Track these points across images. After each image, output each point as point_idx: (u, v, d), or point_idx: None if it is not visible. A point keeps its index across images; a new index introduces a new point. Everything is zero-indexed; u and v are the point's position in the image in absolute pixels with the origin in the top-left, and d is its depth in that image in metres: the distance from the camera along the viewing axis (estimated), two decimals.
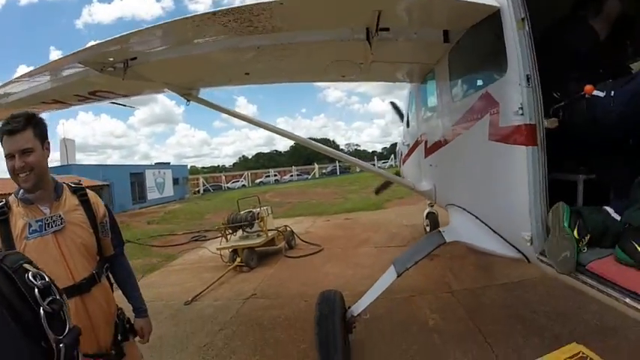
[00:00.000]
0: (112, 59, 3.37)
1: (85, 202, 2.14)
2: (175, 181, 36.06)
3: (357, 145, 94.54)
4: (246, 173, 53.97)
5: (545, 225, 2.43)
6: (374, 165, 53.70)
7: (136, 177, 30.40)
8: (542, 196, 2.45)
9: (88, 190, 2.21)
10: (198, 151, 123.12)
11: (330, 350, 3.22)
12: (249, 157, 78.24)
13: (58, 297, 0.79)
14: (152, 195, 31.70)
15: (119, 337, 2.15)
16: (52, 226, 1.93)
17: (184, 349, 4.41)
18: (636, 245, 2.02)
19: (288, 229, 9.66)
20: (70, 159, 28.38)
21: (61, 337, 0.76)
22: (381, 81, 5.48)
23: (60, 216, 1.98)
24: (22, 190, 1.96)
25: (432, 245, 3.54)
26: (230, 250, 8.31)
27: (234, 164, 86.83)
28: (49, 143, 2.01)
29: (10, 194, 2.10)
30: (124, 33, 3.05)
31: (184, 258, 10.08)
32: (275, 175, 51.80)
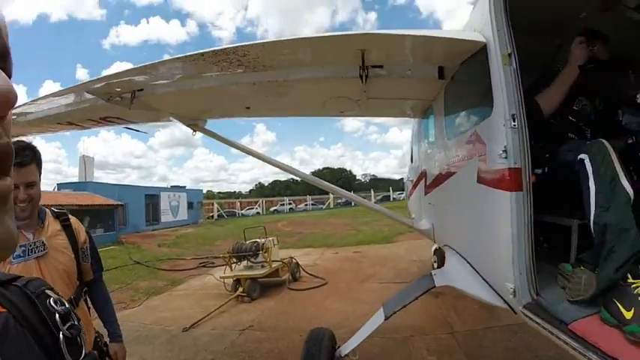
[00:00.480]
0: (118, 90, 3.53)
1: (67, 228, 2.19)
2: (190, 205, 36.37)
3: (373, 175, 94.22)
4: (260, 201, 54.20)
5: (533, 277, 2.33)
6: (389, 195, 53.86)
7: (151, 199, 30.74)
8: (527, 246, 2.30)
9: (70, 216, 2.28)
10: (215, 176, 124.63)
11: None
12: (266, 184, 78.69)
13: (76, 323, 0.82)
14: (166, 217, 31.97)
15: None
16: (34, 252, 1.97)
17: None
18: (619, 305, 1.93)
19: (294, 260, 9.61)
20: (88, 176, 28.92)
21: None
22: (381, 116, 5.56)
23: (43, 242, 2.02)
24: None
25: (421, 289, 3.46)
26: (233, 279, 8.30)
27: (250, 191, 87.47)
28: (41, 173, 2.07)
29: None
30: (130, 67, 3.22)
31: (189, 283, 10.10)
32: (290, 204, 51.84)
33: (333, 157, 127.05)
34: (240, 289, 7.85)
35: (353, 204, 46.41)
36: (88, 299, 2.37)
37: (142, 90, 3.61)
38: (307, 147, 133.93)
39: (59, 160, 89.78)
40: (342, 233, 19.06)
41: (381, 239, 14.48)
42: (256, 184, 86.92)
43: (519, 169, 2.32)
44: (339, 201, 50.76)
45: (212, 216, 44.16)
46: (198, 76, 3.33)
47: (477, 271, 2.97)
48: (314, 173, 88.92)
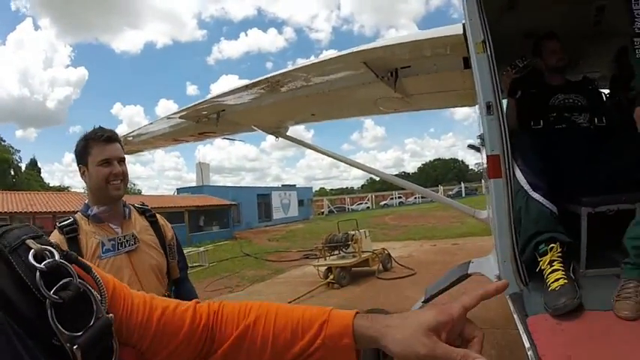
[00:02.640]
0: (205, 113, 4.43)
1: (154, 224, 2.09)
2: (300, 203, 38.62)
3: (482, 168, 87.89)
4: (370, 195, 54.77)
5: (519, 265, 2.33)
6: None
7: (263, 198, 33.66)
8: (508, 233, 2.32)
9: (155, 212, 2.19)
10: (327, 174, 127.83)
11: None
12: (377, 179, 78.77)
13: (75, 279, 0.61)
14: (277, 215, 34.56)
15: None
16: (125, 246, 1.86)
17: None
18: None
19: (385, 252, 10.07)
20: (205, 180, 32.27)
21: (76, 335, 0.57)
22: (436, 108, 5.70)
23: (133, 235, 1.91)
24: (90, 208, 1.90)
25: (456, 276, 3.55)
26: (325, 267, 9.07)
27: (362, 186, 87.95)
28: None
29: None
30: (210, 96, 4.09)
31: (290, 273, 11.17)
32: (399, 197, 51.52)
33: (444, 147, 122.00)
34: (331, 277, 8.59)
35: (464, 195, 44.93)
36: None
37: (224, 110, 4.46)
38: (417, 139, 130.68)
39: (178, 168, 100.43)
40: (446, 225, 18.78)
41: (483, 231, 14.07)
42: (368, 180, 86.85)
43: (497, 156, 2.34)
44: (450, 193, 49.19)
45: (322, 212, 45.86)
46: (263, 96, 4.05)
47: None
48: (425, 165, 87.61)
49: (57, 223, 1.86)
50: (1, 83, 71.62)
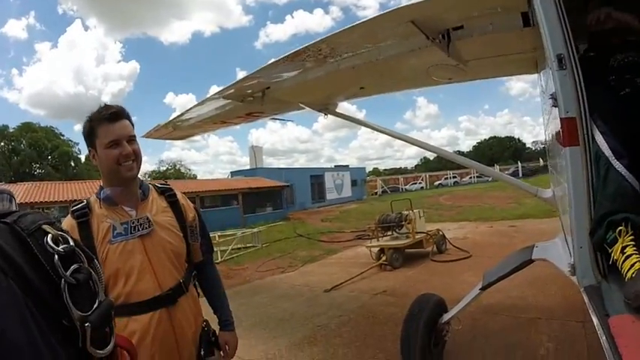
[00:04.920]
0: (249, 91, 4.26)
1: (174, 204, 1.94)
2: (354, 183, 38.51)
3: (545, 143, 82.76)
4: (424, 175, 53.71)
5: (597, 253, 1.95)
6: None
7: (316, 179, 33.81)
8: (587, 214, 1.96)
9: (176, 191, 2.01)
10: (380, 154, 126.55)
11: (409, 351, 3.32)
12: (431, 158, 76.85)
13: (85, 264, 0.69)
14: (331, 195, 34.67)
15: (202, 352, 1.91)
16: (138, 230, 1.74)
17: (305, 325, 5.27)
18: None
19: (440, 233, 9.69)
20: (258, 163, 32.95)
21: (87, 314, 0.65)
22: (494, 77, 5.20)
23: (147, 218, 1.78)
24: (103, 190, 1.79)
25: (517, 261, 3.17)
26: (378, 248, 8.83)
27: (415, 166, 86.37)
28: None
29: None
30: (253, 72, 3.86)
31: (343, 253, 11.07)
32: (454, 177, 50.09)
33: (499, 124, 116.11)
34: (384, 258, 8.35)
35: (521, 174, 42.72)
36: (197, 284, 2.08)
37: (269, 88, 4.28)
38: (471, 116, 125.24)
39: (232, 152, 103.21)
40: (503, 206, 17.99)
41: (541, 212, 13.24)
42: (421, 159, 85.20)
43: (573, 118, 1.97)
44: (507, 172, 46.97)
45: (376, 192, 45.60)
46: (307, 69, 3.81)
47: (567, 243, 2.58)
48: (480, 144, 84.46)
49: (70, 207, 1.78)
50: (58, 82, 77.10)
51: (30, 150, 45.94)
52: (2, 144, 46.01)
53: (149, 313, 1.68)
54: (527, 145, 76.55)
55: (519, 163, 47.23)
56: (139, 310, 1.67)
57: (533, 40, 3.13)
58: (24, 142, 46.32)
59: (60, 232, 0.70)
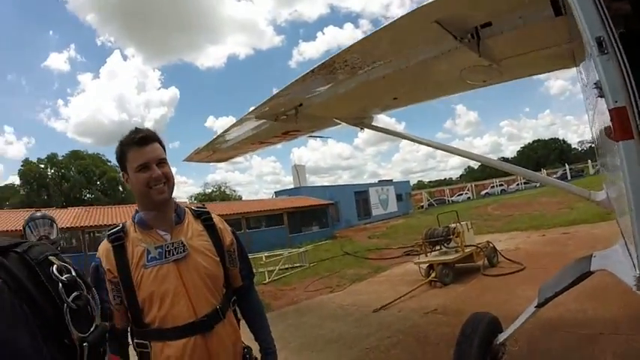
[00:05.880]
0: (282, 109, 4.29)
1: (210, 228, 1.89)
2: (398, 197, 38.05)
3: (593, 141, 77.22)
4: (469, 185, 52.21)
5: None
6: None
7: (361, 195, 33.59)
8: None
9: (213, 214, 1.96)
10: (423, 166, 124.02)
11: None
12: (475, 167, 74.66)
13: (84, 292, 0.77)
14: (376, 211, 34.35)
15: None
16: (173, 254, 1.71)
17: (353, 347, 5.12)
18: None
19: (490, 245, 9.25)
20: (302, 182, 33.17)
21: (85, 335, 0.73)
22: (530, 75, 4.91)
23: (182, 242, 1.75)
24: (139, 214, 1.79)
25: (575, 274, 2.91)
26: (427, 265, 8.57)
27: (460, 176, 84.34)
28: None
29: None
30: (283, 88, 3.88)
31: (391, 271, 10.80)
32: (501, 185, 48.32)
33: (542, 126, 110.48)
34: (433, 275, 8.08)
35: (569, 177, 40.57)
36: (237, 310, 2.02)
37: (301, 105, 4.29)
38: (513, 120, 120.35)
39: (276, 172, 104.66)
40: (554, 212, 17.05)
41: (595, 217, 12.43)
42: (466, 169, 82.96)
43: (623, 108, 1.78)
44: (555, 176, 44.84)
45: (422, 206, 44.81)
46: (338, 82, 3.79)
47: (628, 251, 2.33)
48: (524, 148, 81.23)
49: (107, 231, 1.79)
50: (102, 111, 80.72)
51: (79, 176, 48.97)
52: (52, 171, 49.33)
53: (184, 339, 1.65)
54: (573, 146, 73.01)
55: (567, 166, 44.95)
56: (173, 335, 1.65)
57: (567, 29, 2.97)
58: (73, 168, 49.35)
59: (64, 263, 0.80)
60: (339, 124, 5.36)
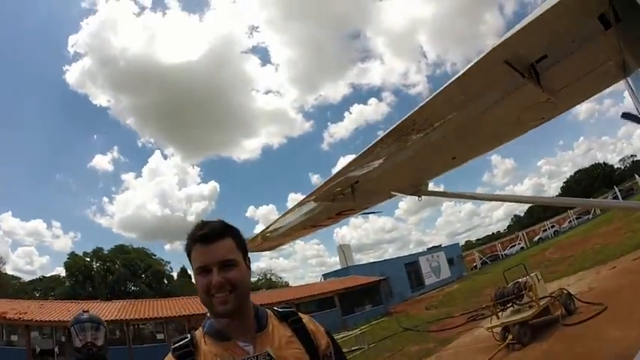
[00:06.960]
0: (338, 189, 4.36)
1: (300, 331, 1.58)
2: (450, 262, 36.80)
3: (633, 155, 71.46)
4: (520, 234, 49.90)
5: None
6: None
7: (411, 266, 32.82)
8: None
9: (302, 315, 1.66)
10: (468, 225, 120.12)
11: None
12: (521, 214, 71.91)
13: None
14: (429, 280, 33.15)
15: None
16: None
17: None
18: None
19: (564, 292, 8.71)
20: (348, 261, 32.72)
21: None
22: (582, 101, 4.85)
23: (269, 354, 1.44)
24: (210, 321, 1.51)
25: None
26: (501, 327, 8.07)
27: (508, 227, 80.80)
28: (250, 260, 1.57)
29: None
30: (340, 169, 3.98)
31: (459, 340, 10.22)
32: (553, 226, 45.83)
33: (579, 155, 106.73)
34: (510, 337, 7.58)
35: (621, 199, 37.92)
36: None
37: (357, 182, 4.37)
38: (549, 158, 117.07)
39: (320, 254, 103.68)
40: (616, 240, 15.86)
41: None
42: (512, 218, 79.94)
43: None
44: None
45: (475, 266, 42.93)
46: (394, 152, 3.82)
47: None
48: (567, 182, 77.98)
49: (171, 344, 1.48)
50: (146, 207, 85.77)
51: (124, 269, 50.68)
52: (98, 264, 51.41)
53: None
54: (616, 166, 69.55)
55: (616, 188, 42.41)
56: None
57: (617, 41, 2.94)
58: (118, 262, 51.25)
59: None
60: (396, 195, 5.31)
